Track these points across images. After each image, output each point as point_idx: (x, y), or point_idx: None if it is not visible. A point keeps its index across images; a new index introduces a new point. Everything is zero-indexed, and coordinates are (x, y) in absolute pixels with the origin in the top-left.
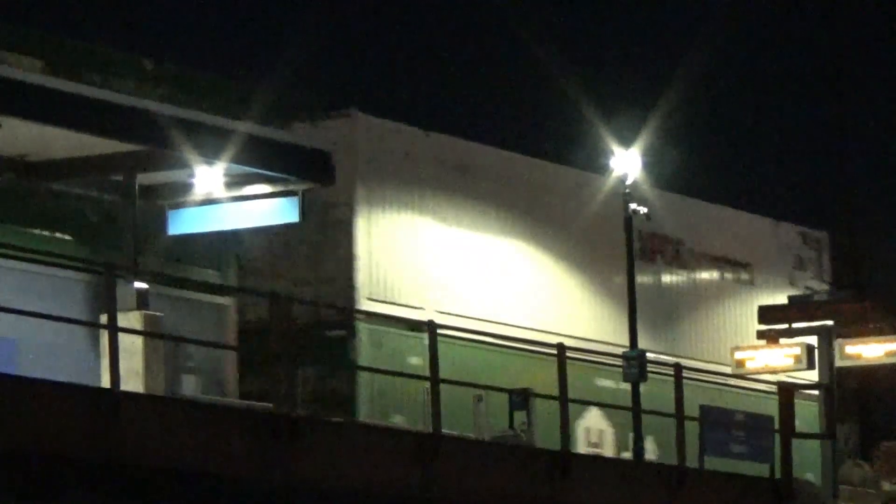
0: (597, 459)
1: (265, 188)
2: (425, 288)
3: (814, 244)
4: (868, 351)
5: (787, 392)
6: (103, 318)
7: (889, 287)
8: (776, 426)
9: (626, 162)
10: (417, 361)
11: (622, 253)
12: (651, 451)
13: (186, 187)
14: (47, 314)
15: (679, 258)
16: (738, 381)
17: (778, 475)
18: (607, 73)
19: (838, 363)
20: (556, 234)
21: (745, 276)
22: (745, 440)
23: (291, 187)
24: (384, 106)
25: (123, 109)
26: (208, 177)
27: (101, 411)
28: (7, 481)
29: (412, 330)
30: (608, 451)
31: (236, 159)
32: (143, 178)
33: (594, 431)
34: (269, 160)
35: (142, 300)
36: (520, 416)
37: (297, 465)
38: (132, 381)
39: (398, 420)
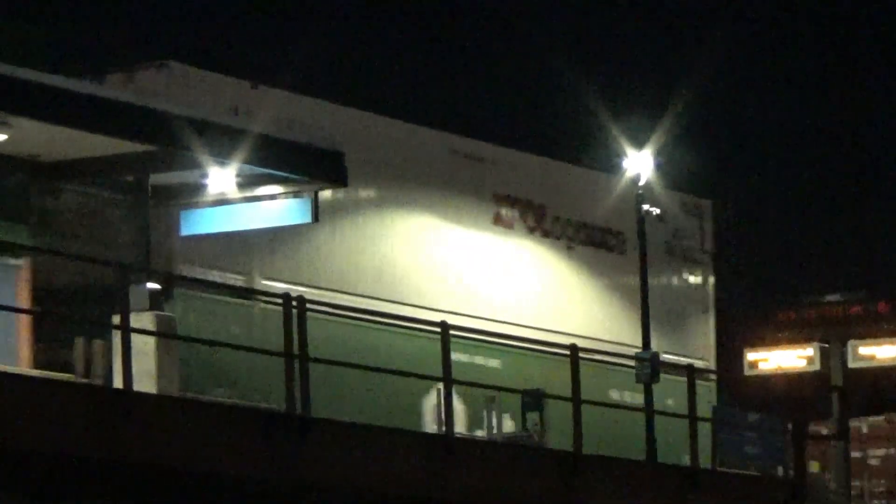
0: (609, 460)
1: (277, 189)
2: (249, 253)
3: (695, 212)
4: (882, 352)
5: (800, 394)
6: (116, 319)
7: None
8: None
9: (639, 162)
10: (239, 331)
11: (483, 220)
12: (507, 428)
13: (199, 188)
14: (59, 313)
15: (541, 225)
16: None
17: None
18: (618, 73)
19: (851, 364)
20: (408, 196)
21: (616, 244)
22: (757, 441)
23: (304, 188)
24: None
25: (135, 110)
26: (221, 177)
27: (114, 412)
28: (19, 482)
29: (235, 297)
30: (459, 429)
31: (249, 160)
32: (154, 179)
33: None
34: (281, 161)
35: (154, 301)
36: (532, 417)
37: (308, 466)
38: (145, 382)
39: (220, 393)
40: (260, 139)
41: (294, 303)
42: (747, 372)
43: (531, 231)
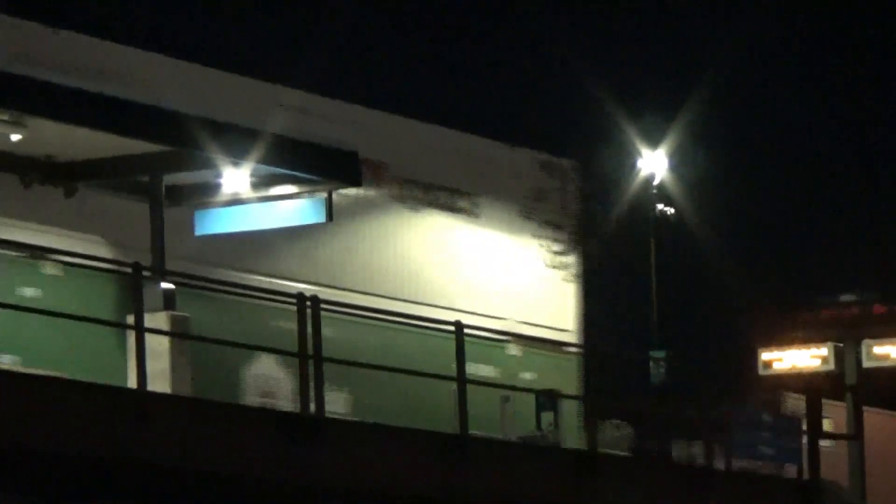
0: (623, 459)
1: (292, 189)
2: (42, 204)
3: (557, 173)
4: None
5: (814, 394)
6: (130, 319)
7: None
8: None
9: (653, 161)
10: (35, 293)
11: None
12: (341, 403)
13: (213, 188)
14: (69, 314)
15: (381, 184)
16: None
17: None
18: (633, 75)
19: (866, 364)
20: None
21: (467, 206)
22: (772, 441)
23: (318, 188)
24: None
25: (150, 110)
26: (235, 177)
27: (128, 412)
28: (32, 482)
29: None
30: (284, 402)
31: (263, 160)
32: (169, 179)
33: (266, 379)
34: (295, 161)
35: (168, 301)
36: (547, 417)
37: (321, 467)
38: (159, 382)
39: (6, 360)
40: (274, 139)
41: (308, 302)
42: (762, 372)
43: (365, 190)
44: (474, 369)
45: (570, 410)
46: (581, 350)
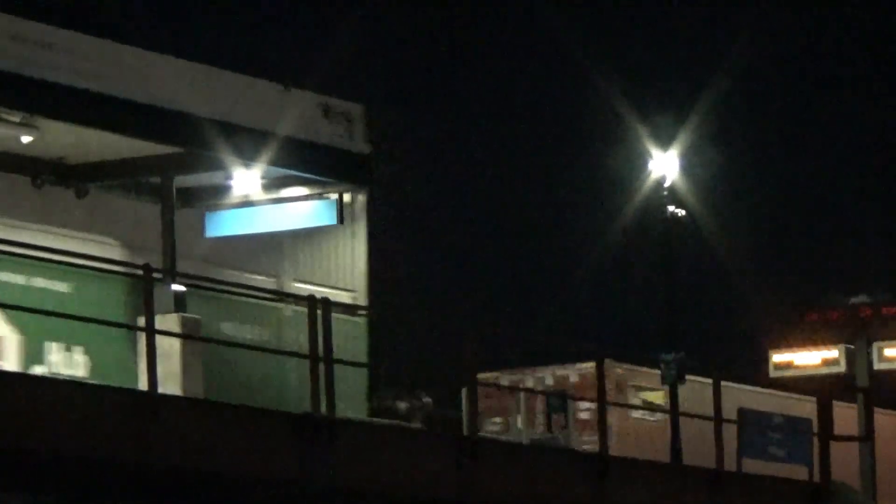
0: (635, 462)
1: (302, 190)
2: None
3: (341, 119)
4: None
5: (825, 395)
6: (141, 321)
7: None
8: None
9: (665, 163)
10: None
11: None
12: (80, 365)
13: (224, 190)
14: (78, 315)
15: None
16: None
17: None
18: (644, 75)
19: (877, 366)
20: None
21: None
22: (782, 442)
23: (328, 189)
24: None
25: (161, 111)
26: (246, 179)
27: (139, 414)
28: (45, 484)
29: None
30: (12, 362)
31: (274, 162)
32: (179, 181)
33: None
34: (306, 163)
35: (179, 302)
36: (558, 419)
37: (335, 468)
38: (170, 384)
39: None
40: (284, 141)
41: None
42: (773, 374)
43: None
44: (237, 331)
45: (357, 379)
46: (366, 312)
